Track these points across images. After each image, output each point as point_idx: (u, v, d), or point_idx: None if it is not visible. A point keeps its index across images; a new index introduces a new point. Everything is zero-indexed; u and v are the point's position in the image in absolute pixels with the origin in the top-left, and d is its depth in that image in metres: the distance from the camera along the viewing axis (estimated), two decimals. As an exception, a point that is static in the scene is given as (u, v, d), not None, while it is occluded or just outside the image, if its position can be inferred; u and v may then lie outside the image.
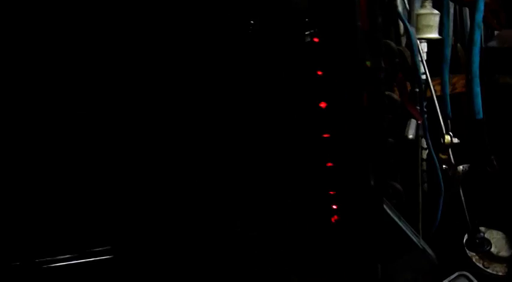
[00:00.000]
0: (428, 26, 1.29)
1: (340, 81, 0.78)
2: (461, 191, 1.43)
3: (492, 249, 1.44)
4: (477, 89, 1.26)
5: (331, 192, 0.81)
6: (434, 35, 1.32)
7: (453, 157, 1.34)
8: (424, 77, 1.38)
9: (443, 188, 1.33)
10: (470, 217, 1.45)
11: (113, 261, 1.00)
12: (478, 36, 1.23)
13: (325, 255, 0.89)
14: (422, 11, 1.32)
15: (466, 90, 1.29)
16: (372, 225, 0.88)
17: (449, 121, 1.38)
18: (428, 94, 1.42)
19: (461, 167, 1.43)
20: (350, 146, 0.81)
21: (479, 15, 1.23)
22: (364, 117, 0.82)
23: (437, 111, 1.36)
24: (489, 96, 1.40)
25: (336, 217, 0.82)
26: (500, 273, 1.39)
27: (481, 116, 1.27)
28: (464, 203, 1.45)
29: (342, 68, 0.78)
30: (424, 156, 1.51)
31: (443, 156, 1.35)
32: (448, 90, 1.36)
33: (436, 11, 1.31)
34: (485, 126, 1.29)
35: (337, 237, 0.86)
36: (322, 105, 0.76)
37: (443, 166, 1.35)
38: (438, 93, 1.41)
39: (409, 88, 1.39)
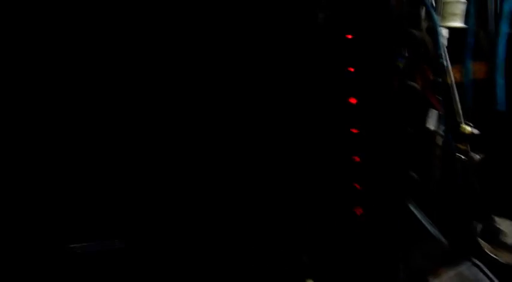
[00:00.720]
0: (454, 14, 1.26)
1: (372, 76, 0.78)
2: (475, 180, 1.43)
3: (505, 239, 1.46)
4: (501, 81, 1.24)
5: (357, 186, 0.82)
6: (459, 23, 1.30)
7: (471, 147, 1.34)
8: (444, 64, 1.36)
9: (460, 177, 1.34)
10: (485, 206, 1.46)
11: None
12: (506, 26, 1.21)
13: (349, 243, 0.92)
14: (450, -1, 1.29)
15: (489, 81, 1.28)
16: (396, 217, 0.90)
17: (469, 111, 1.37)
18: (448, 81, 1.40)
19: (477, 156, 1.43)
20: (377, 139, 0.82)
21: (508, 5, 1.20)
22: (392, 110, 0.82)
23: (455, 100, 1.35)
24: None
25: (360, 210, 0.84)
26: (502, 261, 1.40)
27: (504, 107, 1.26)
28: (478, 192, 1.45)
29: (375, 62, 0.78)
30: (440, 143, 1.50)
31: (462, 147, 1.34)
32: (470, 78, 1.34)
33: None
34: (508, 118, 1.28)
35: (362, 227, 0.88)
36: (353, 101, 0.76)
37: (461, 156, 1.35)
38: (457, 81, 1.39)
39: (430, 77, 1.38)
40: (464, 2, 1.27)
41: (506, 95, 1.25)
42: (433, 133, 1.27)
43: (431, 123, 1.22)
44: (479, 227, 1.49)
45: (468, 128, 1.34)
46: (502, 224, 1.49)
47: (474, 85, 1.39)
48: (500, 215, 1.51)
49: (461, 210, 1.44)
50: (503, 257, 1.42)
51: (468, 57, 1.30)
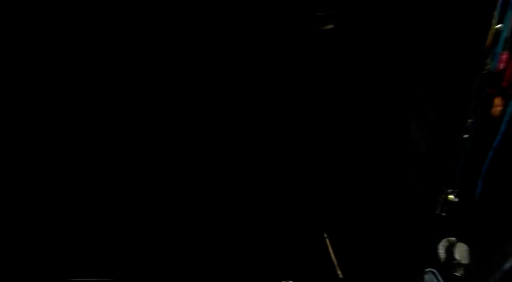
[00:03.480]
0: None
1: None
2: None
3: (457, 257, 1.95)
4: (480, 183, 1.57)
5: None
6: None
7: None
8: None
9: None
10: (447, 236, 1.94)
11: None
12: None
13: None
14: None
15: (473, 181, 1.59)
16: None
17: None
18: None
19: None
20: None
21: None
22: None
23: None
24: None
25: None
26: (458, 275, 1.94)
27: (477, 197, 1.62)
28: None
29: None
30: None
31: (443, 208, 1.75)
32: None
33: None
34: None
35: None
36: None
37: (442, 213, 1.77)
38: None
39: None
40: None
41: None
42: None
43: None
44: (442, 251, 1.98)
45: (451, 197, 1.73)
46: (458, 245, 1.95)
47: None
48: (458, 240, 1.95)
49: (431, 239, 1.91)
50: (459, 272, 1.95)
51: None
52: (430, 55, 1.65)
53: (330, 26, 2.06)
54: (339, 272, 1.44)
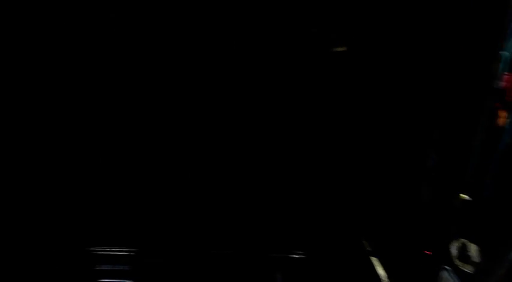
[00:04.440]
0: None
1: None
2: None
3: (468, 255, 2.19)
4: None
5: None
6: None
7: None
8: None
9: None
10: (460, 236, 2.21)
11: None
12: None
13: None
14: None
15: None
16: None
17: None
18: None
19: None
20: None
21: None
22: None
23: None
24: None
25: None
26: (468, 271, 2.18)
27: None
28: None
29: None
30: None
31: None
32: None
33: None
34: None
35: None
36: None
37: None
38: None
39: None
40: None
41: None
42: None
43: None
44: (455, 249, 2.24)
45: (464, 196, 2.03)
46: (469, 245, 2.21)
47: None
48: (469, 240, 2.21)
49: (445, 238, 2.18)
50: (465, 267, 2.19)
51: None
52: (447, 81, 2.03)
53: (343, 48, 2.31)
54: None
